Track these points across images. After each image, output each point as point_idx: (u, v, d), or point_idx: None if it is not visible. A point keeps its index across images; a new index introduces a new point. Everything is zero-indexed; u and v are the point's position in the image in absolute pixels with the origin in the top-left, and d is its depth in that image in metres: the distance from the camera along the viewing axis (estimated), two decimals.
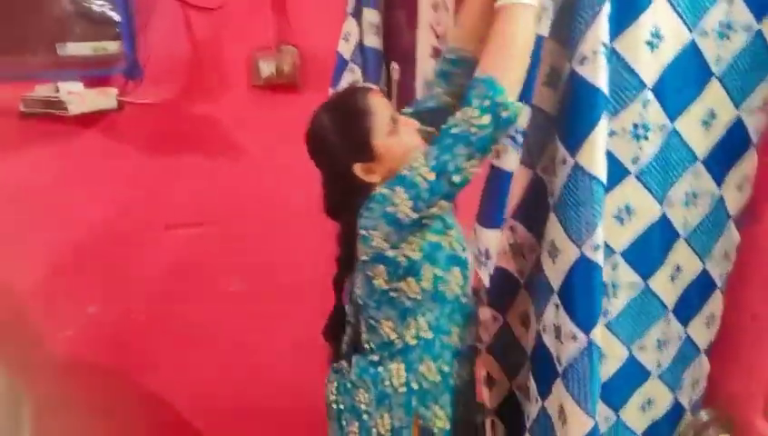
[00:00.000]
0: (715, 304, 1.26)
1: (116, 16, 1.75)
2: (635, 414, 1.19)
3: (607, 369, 1.15)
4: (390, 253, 1.09)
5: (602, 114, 0.94)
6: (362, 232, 1.10)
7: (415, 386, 1.17)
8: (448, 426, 1.19)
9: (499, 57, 1.00)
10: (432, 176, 1.02)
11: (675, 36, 1.05)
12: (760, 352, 1.29)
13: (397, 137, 1.13)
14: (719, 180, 1.17)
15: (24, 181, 1.79)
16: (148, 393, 2.12)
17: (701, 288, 1.21)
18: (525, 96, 1.03)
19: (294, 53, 2.05)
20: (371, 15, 1.97)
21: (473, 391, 1.28)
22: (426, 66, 1.74)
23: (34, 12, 1.68)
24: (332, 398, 1.26)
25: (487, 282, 1.30)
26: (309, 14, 2.04)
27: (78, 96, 1.66)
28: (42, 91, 1.69)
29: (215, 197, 2.09)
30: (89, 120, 1.79)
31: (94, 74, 1.79)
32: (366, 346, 1.21)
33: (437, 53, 1.65)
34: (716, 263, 1.23)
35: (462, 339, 1.21)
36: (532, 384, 1.09)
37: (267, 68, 2.02)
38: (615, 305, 1.13)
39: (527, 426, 1.13)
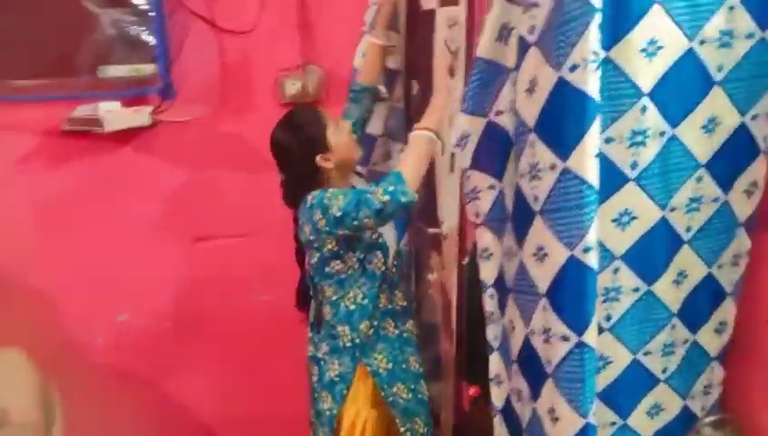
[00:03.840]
0: (726, 311, 1.24)
1: (152, 40, 1.87)
2: (643, 420, 1.19)
3: (612, 373, 1.16)
4: (316, 244, 1.57)
5: (594, 121, 0.96)
6: (300, 220, 1.58)
7: (357, 341, 1.60)
8: (390, 367, 1.63)
9: (408, 165, 1.48)
10: (339, 214, 1.47)
11: (673, 45, 1.06)
12: None
13: (340, 132, 1.62)
14: (725, 186, 1.17)
15: (61, 193, 1.92)
16: (173, 400, 2.21)
17: (708, 294, 1.20)
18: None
19: (319, 72, 2.14)
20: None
21: (407, 343, 1.70)
22: (441, 82, 1.79)
23: (78, 37, 1.82)
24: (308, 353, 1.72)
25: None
26: (333, 36, 2.13)
27: (114, 115, 1.78)
28: (83, 110, 1.83)
29: (243, 210, 2.17)
30: (125, 137, 1.92)
31: (131, 94, 1.92)
32: (324, 312, 1.63)
33: (451, 70, 1.71)
34: (725, 270, 1.22)
35: (391, 301, 1.66)
36: (524, 387, 1.11)
37: (293, 86, 2.11)
38: (617, 309, 1.14)
39: (523, 427, 1.14)
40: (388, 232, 1.68)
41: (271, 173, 2.18)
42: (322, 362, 1.64)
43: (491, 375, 1.37)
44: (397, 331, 1.67)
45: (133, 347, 2.12)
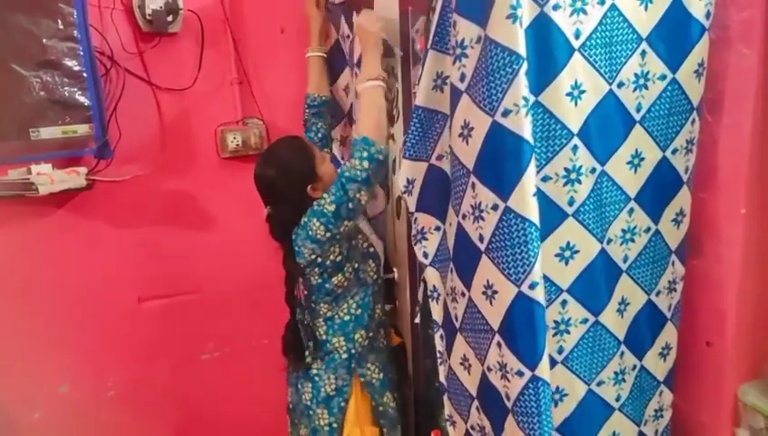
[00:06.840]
0: (668, 335, 1.30)
1: (86, 101, 1.83)
2: None
3: (568, 406, 1.18)
4: (319, 259, 1.54)
5: (530, 161, 1.01)
6: (296, 247, 1.54)
7: (353, 351, 1.63)
8: (381, 377, 1.68)
9: (366, 122, 1.51)
10: (333, 207, 1.48)
11: (594, 88, 1.14)
12: (720, 380, 1.32)
13: (326, 163, 1.62)
14: (654, 216, 1.24)
15: None
16: None
17: (650, 320, 1.25)
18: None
19: (259, 125, 2.15)
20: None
21: (388, 352, 1.76)
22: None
23: (8, 100, 1.75)
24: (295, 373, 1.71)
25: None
26: (272, 89, 2.15)
27: (48, 177, 1.71)
28: (14, 174, 1.75)
29: (187, 267, 2.11)
30: (60, 200, 1.85)
31: (66, 155, 1.85)
32: (318, 331, 1.64)
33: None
34: (663, 296, 1.27)
35: (381, 311, 1.71)
36: (486, 423, 1.11)
37: (233, 141, 2.11)
38: (569, 342, 1.17)
39: None
40: (378, 243, 1.71)
41: (213, 227, 2.15)
42: (317, 378, 1.64)
43: (446, 416, 1.36)
44: (384, 342, 1.74)
45: (75, 417, 1.99)
